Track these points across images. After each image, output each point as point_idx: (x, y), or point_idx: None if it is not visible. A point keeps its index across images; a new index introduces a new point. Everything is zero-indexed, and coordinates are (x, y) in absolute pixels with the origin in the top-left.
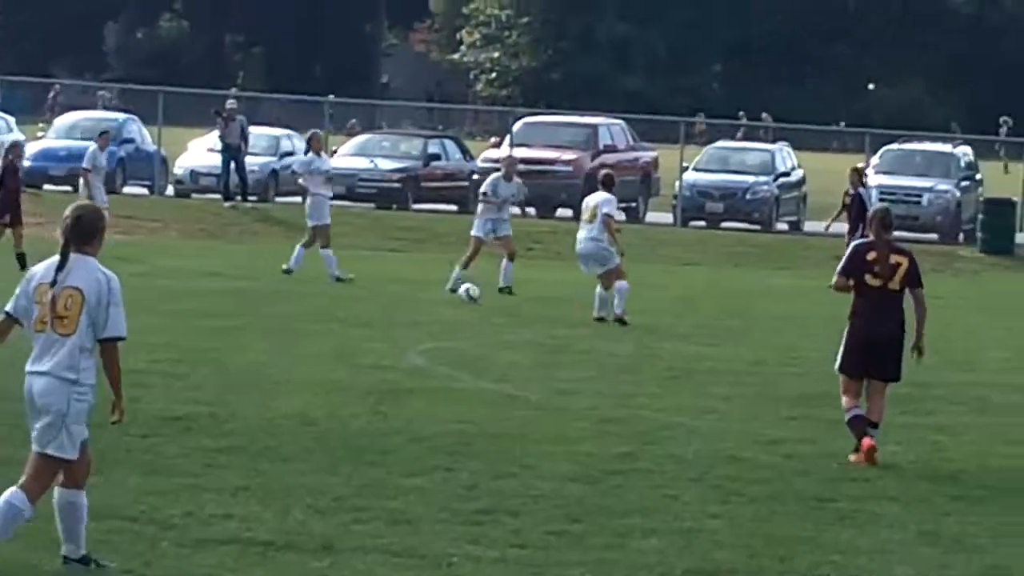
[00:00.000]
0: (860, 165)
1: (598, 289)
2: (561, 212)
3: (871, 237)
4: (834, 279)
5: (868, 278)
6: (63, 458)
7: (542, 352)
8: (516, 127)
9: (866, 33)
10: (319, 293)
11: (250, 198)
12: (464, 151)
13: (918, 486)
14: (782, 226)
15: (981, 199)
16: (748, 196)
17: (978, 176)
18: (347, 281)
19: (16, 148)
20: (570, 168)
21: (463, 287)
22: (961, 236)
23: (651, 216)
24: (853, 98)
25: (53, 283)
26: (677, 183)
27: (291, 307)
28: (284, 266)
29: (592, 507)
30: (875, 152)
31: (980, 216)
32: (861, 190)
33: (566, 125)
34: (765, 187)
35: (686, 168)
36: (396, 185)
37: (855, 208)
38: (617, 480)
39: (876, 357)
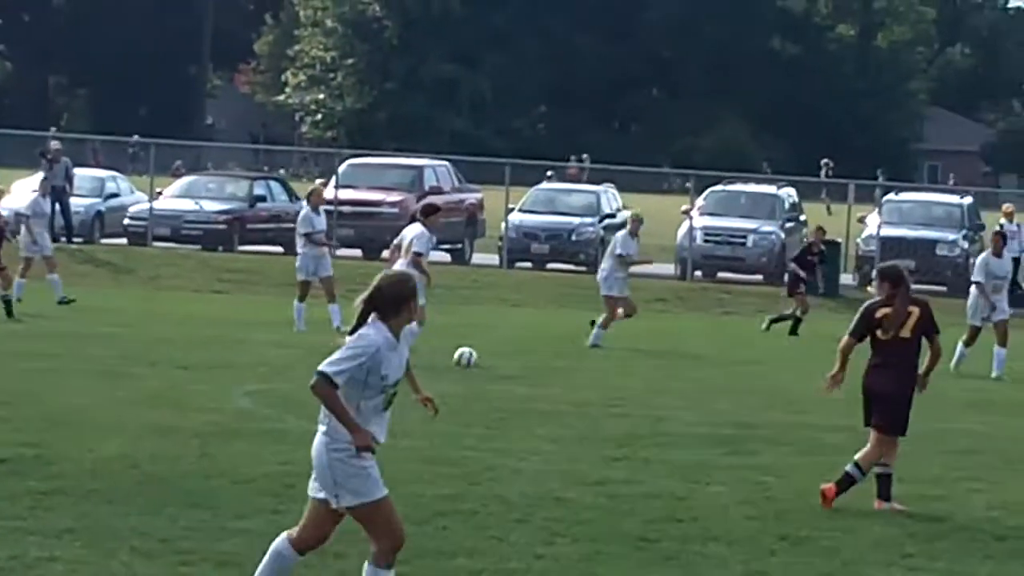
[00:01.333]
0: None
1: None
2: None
3: (879, 296)
4: (843, 339)
5: (879, 333)
6: None
7: None
8: (341, 168)
9: (687, 77)
10: (145, 335)
11: (75, 240)
12: (290, 192)
13: (743, 526)
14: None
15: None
16: (573, 237)
17: (802, 217)
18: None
19: None
20: (396, 210)
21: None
22: (786, 277)
23: (477, 258)
24: (676, 141)
25: None
26: (503, 224)
27: (115, 349)
28: (341, 327)
29: (419, 548)
30: (700, 194)
31: None
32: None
33: (391, 166)
34: (590, 228)
35: (511, 209)
36: (222, 227)
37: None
38: (443, 521)
39: (880, 410)
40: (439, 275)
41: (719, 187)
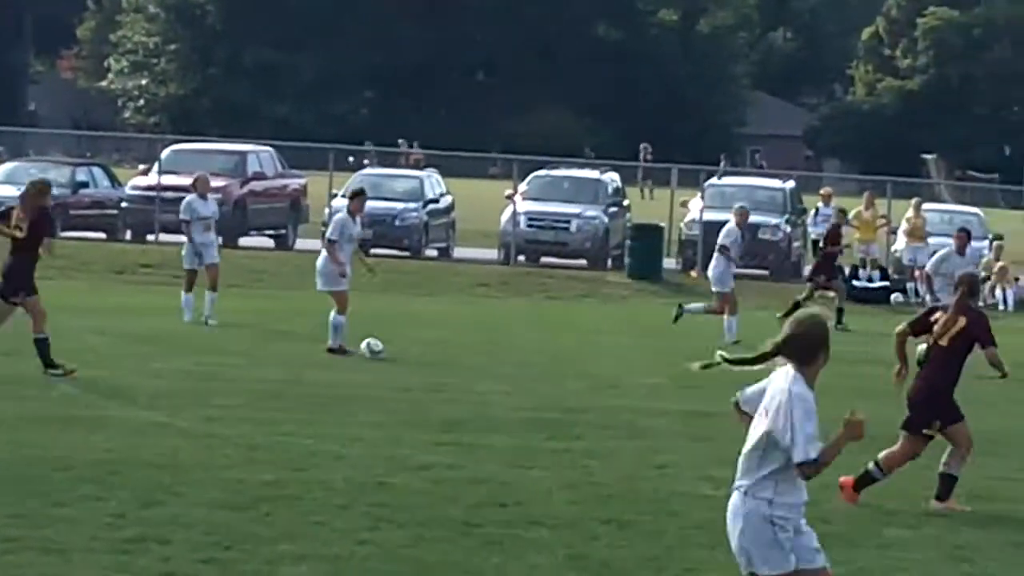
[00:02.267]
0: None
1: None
2: None
3: (951, 301)
4: (900, 326)
5: (926, 336)
6: None
7: (191, 380)
8: (164, 154)
9: (511, 63)
10: None
11: None
12: (112, 179)
13: (567, 511)
14: (431, 252)
15: (629, 225)
16: (397, 223)
17: (625, 202)
18: None
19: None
20: (219, 195)
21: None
22: (609, 262)
23: (300, 243)
24: (500, 126)
25: None
26: (326, 210)
27: None
28: (210, 319)
29: (242, 534)
30: (523, 179)
31: (628, 242)
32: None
33: (215, 152)
34: (414, 214)
35: (335, 195)
36: None
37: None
38: (266, 507)
39: (911, 409)
40: (263, 261)
41: (542, 172)
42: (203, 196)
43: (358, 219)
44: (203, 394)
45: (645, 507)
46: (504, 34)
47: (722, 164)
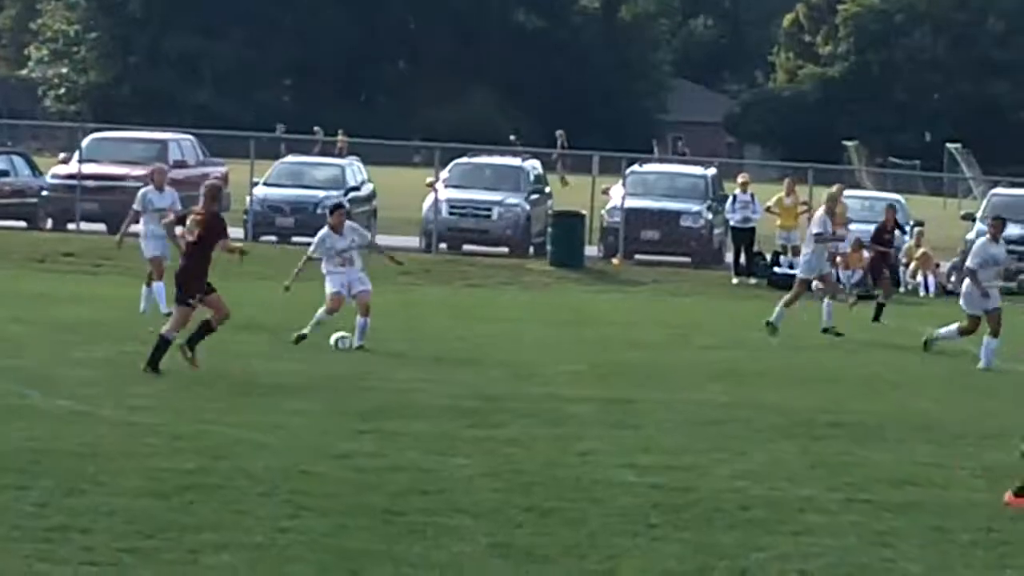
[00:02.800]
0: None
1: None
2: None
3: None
4: None
5: None
6: None
7: (113, 368)
8: (85, 143)
9: (433, 50)
10: None
11: None
12: (33, 167)
13: (488, 498)
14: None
15: (550, 212)
16: (319, 211)
17: (547, 189)
18: None
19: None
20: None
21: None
22: (531, 249)
23: None
24: (422, 113)
25: None
26: (247, 198)
27: None
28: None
29: (164, 523)
30: (445, 167)
31: (549, 229)
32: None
33: (135, 141)
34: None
35: (256, 183)
36: None
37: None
38: (189, 495)
39: None
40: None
41: (464, 160)
42: (159, 188)
43: (344, 231)
44: (125, 382)
45: (567, 494)
46: (427, 22)
47: (655, 150)
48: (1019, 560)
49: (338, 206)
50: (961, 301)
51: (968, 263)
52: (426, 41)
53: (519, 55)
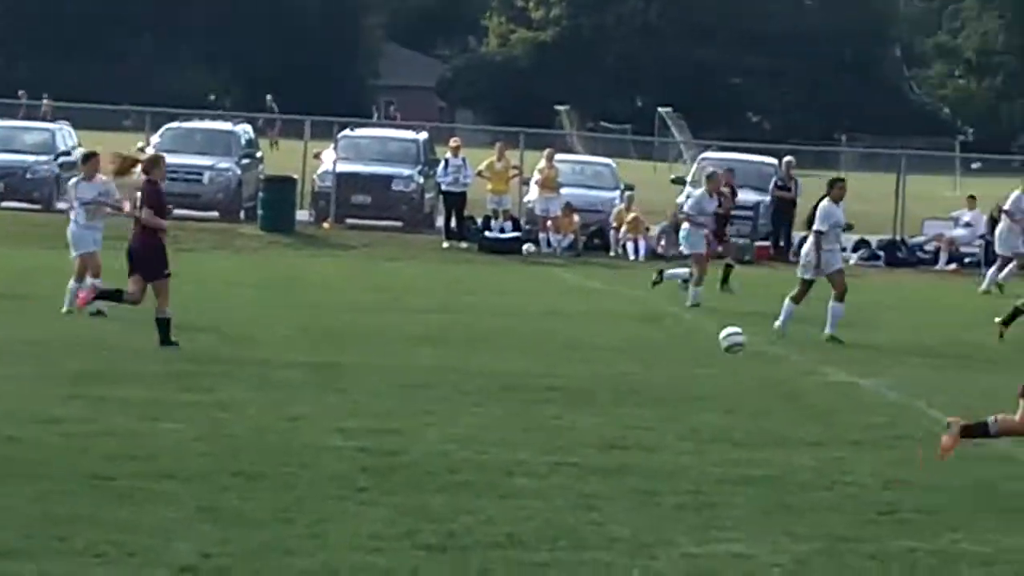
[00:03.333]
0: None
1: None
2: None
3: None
4: None
5: None
6: None
7: None
8: None
9: (143, 13)
10: None
11: None
12: None
13: (198, 463)
14: (63, 206)
15: (261, 177)
16: (28, 176)
17: (259, 154)
18: None
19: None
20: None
21: None
22: (242, 214)
23: None
24: (134, 78)
25: None
26: None
27: None
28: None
29: None
30: (156, 131)
31: (260, 194)
32: None
33: None
34: (46, 167)
35: None
36: None
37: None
38: None
39: None
40: None
41: (175, 124)
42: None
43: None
44: None
45: (276, 459)
46: None
47: (375, 116)
48: (725, 522)
49: (92, 154)
50: (799, 269)
51: (816, 226)
52: (135, 3)
53: (229, 18)
